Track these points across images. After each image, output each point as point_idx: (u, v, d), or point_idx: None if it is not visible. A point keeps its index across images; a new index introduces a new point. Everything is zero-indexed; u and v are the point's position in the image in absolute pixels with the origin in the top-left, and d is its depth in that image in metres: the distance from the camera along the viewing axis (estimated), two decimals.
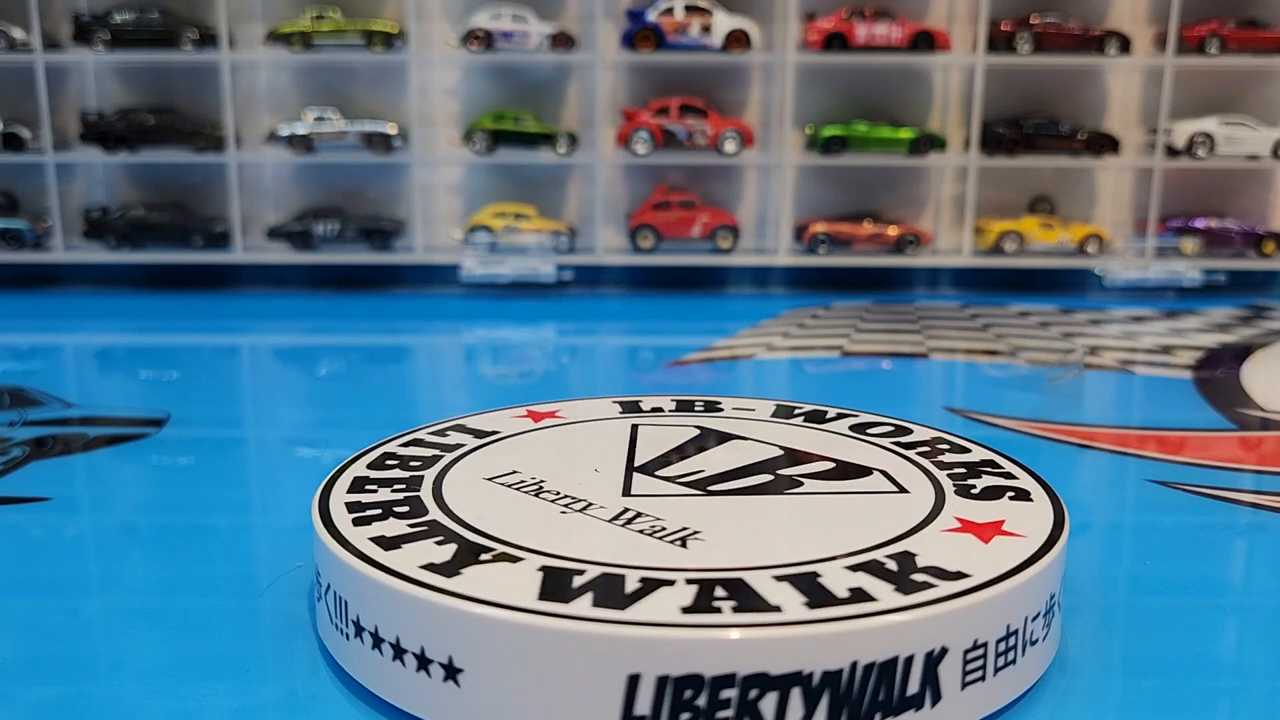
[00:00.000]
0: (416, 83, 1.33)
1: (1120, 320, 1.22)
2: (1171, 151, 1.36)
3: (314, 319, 1.27)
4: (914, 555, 0.40)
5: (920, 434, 0.56)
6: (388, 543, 0.42)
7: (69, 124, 1.35)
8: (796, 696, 0.35)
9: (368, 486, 0.48)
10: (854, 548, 0.41)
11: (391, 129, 1.33)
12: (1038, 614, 0.40)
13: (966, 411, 0.82)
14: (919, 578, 0.38)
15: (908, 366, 1.00)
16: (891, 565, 0.39)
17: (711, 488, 0.48)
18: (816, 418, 0.59)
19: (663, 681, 0.34)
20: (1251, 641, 0.47)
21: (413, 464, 0.51)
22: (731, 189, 1.42)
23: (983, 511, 0.45)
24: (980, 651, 0.37)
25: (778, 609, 0.36)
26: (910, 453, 0.53)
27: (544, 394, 0.65)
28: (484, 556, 0.40)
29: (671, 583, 0.38)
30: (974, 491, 0.47)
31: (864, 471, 0.50)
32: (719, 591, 0.37)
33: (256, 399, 0.96)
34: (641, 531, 0.43)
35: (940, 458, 0.52)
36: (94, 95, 1.37)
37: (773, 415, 0.60)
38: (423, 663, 0.37)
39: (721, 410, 0.61)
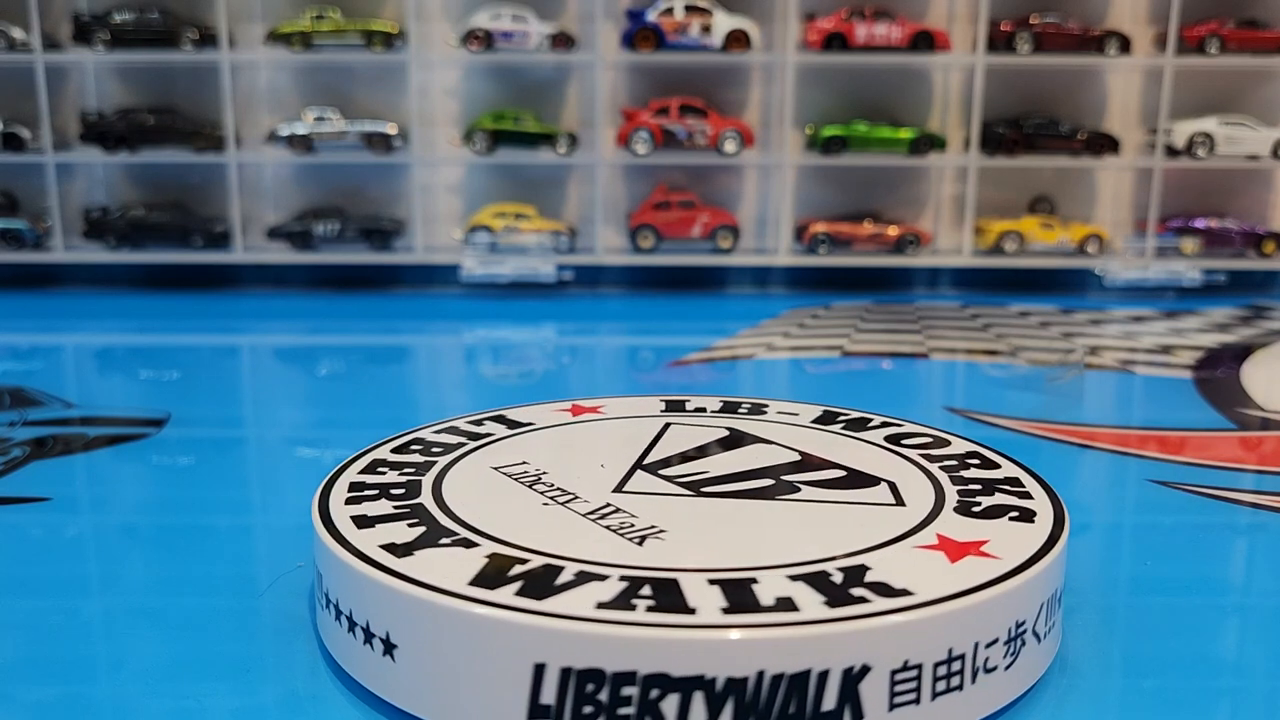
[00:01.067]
0: (416, 83, 1.33)
1: (1120, 320, 1.22)
2: (1171, 151, 1.36)
3: (314, 319, 1.27)
4: (867, 569, 0.39)
5: (957, 446, 0.54)
6: (364, 521, 0.43)
7: (69, 124, 1.35)
8: (699, 701, 0.34)
9: (380, 469, 0.50)
10: (809, 557, 0.40)
11: (391, 129, 1.33)
12: (994, 640, 0.38)
13: (967, 411, 0.82)
14: (857, 592, 0.37)
15: (908, 366, 1.00)
16: (837, 578, 0.38)
17: (705, 489, 0.48)
18: (857, 425, 0.58)
19: (566, 673, 0.35)
20: (1252, 641, 0.47)
21: (435, 450, 0.53)
22: (731, 189, 1.41)
23: (970, 530, 0.43)
24: (913, 673, 0.36)
25: (693, 611, 0.36)
26: (933, 465, 0.51)
27: (544, 394, 0.65)
28: (443, 541, 0.42)
29: (605, 578, 0.38)
30: (975, 509, 0.45)
31: (872, 482, 0.49)
32: (644, 590, 0.37)
33: (256, 399, 0.96)
34: (609, 527, 0.43)
35: (963, 472, 0.50)
36: (94, 95, 1.37)
37: (813, 420, 0.59)
38: (368, 636, 0.39)
39: (764, 413, 0.60)
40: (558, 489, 0.48)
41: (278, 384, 1.02)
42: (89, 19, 1.31)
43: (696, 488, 0.48)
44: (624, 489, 0.48)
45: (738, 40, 1.31)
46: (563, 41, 1.32)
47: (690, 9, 1.31)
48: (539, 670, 0.35)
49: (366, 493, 0.47)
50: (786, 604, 0.36)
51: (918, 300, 1.35)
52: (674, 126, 1.33)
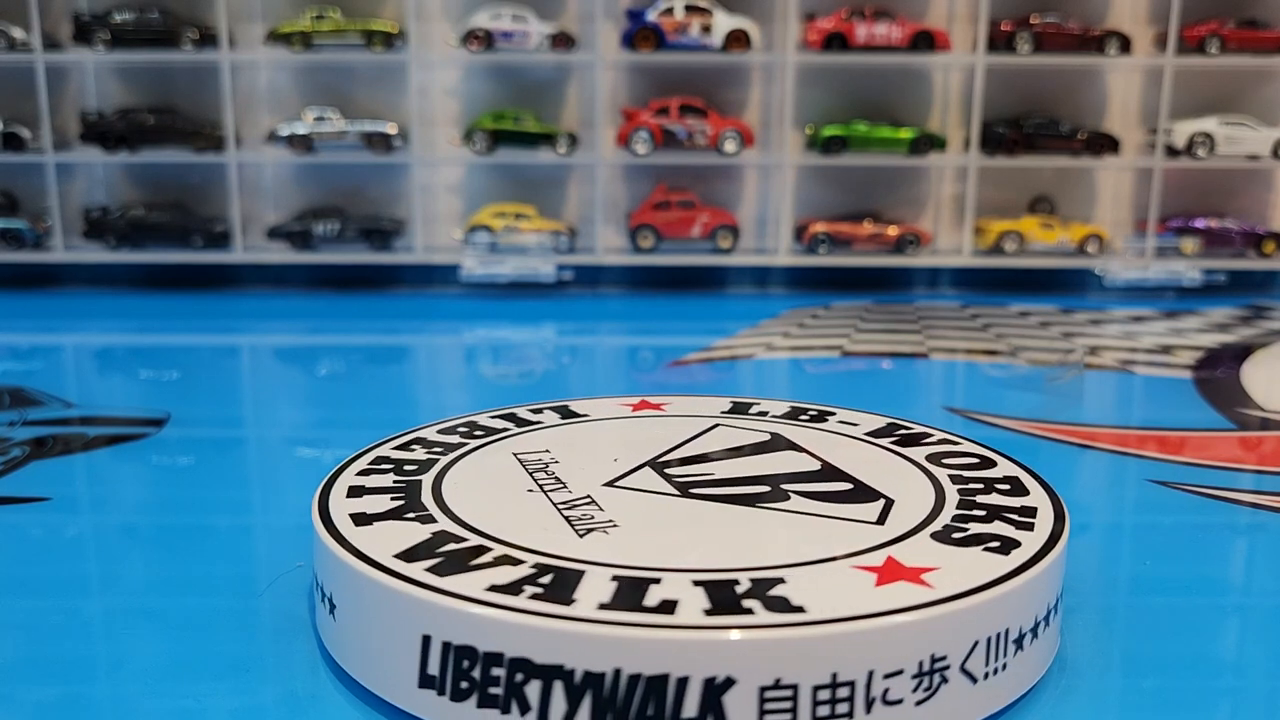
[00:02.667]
0: (416, 83, 1.33)
1: (1120, 320, 1.22)
2: (1171, 151, 1.36)
3: (314, 319, 1.27)
4: (778, 582, 0.38)
5: (999, 469, 0.50)
6: (352, 490, 0.47)
7: (69, 124, 1.35)
8: (559, 690, 0.35)
9: (413, 446, 0.53)
10: (732, 564, 0.39)
11: (391, 129, 1.33)
12: (898, 671, 0.36)
13: (967, 411, 0.82)
14: (748, 604, 0.36)
15: (908, 366, 1.00)
16: (742, 588, 0.37)
17: (694, 491, 0.48)
18: (910, 441, 0.55)
19: (447, 648, 0.36)
20: (1252, 641, 0.47)
21: (478, 433, 0.56)
22: (731, 189, 1.41)
23: (929, 556, 0.40)
24: (787, 693, 0.35)
25: (571, 603, 0.36)
26: (954, 486, 0.48)
27: (544, 394, 0.65)
28: (408, 515, 0.45)
29: (519, 563, 0.40)
30: (956, 535, 0.43)
31: (871, 498, 0.47)
32: (544, 579, 0.38)
33: (256, 399, 0.96)
34: (568, 518, 0.44)
35: (981, 496, 0.47)
36: (94, 95, 1.37)
37: (869, 432, 0.57)
38: (324, 597, 0.43)
39: (825, 421, 0.59)
40: (554, 478, 0.49)
41: (278, 384, 1.02)
42: (89, 19, 1.31)
43: (686, 489, 0.48)
44: (616, 484, 0.49)
45: (738, 40, 1.31)
46: (563, 41, 1.32)
47: (690, 9, 1.31)
48: (426, 642, 0.37)
49: (384, 467, 0.50)
50: (667, 607, 0.36)
51: (918, 300, 1.35)
52: (674, 126, 1.33)
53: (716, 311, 1.29)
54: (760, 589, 0.37)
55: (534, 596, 0.37)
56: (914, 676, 0.36)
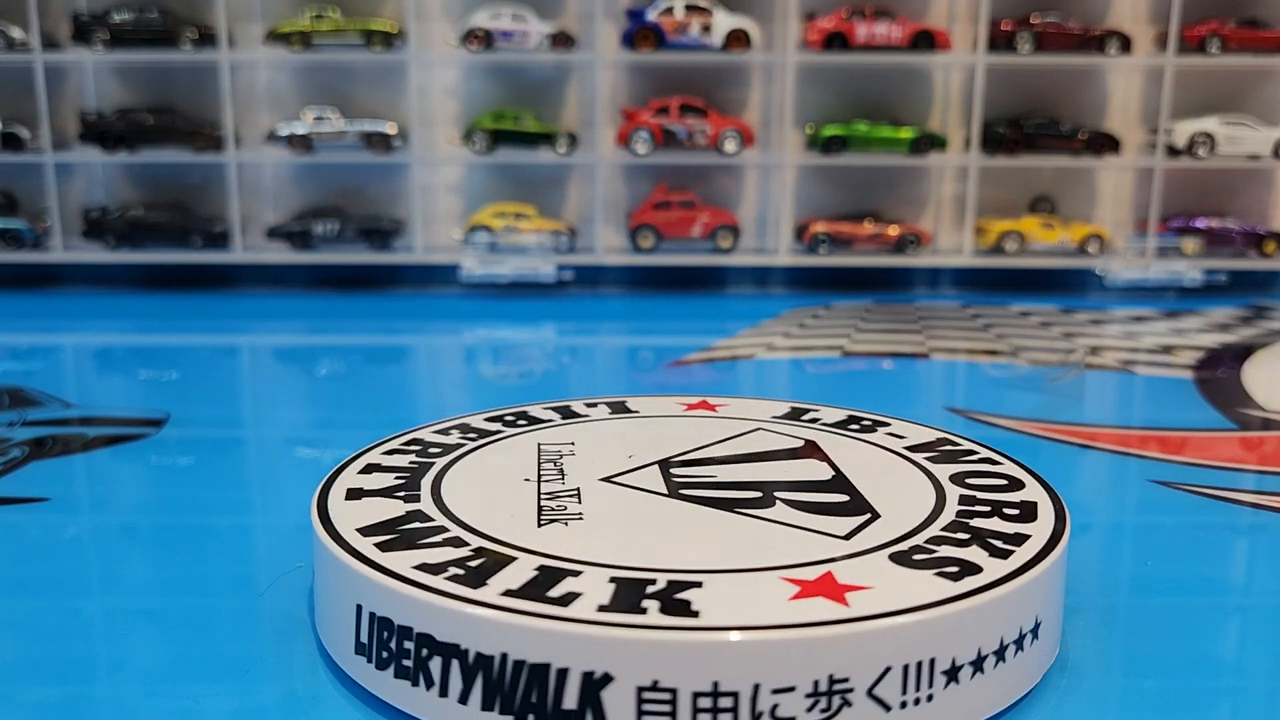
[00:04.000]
0: (416, 82, 1.33)
1: (1121, 320, 1.22)
2: (1172, 151, 1.36)
3: (314, 319, 1.27)
4: (693, 586, 0.37)
5: (1025, 493, 0.48)
6: (367, 468, 0.50)
7: (68, 124, 1.35)
8: (455, 668, 0.36)
9: (452, 431, 0.56)
10: (659, 565, 0.39)
11: (391, 129, 1.33)
12: (789, 688, 0.34)
13: (967, 411, 0.82)
14: (646, 604, 0.36)
15: (909, 366, 1.00)
16: (655, 588, 0.37)
17: (684, 492, 0.48)
18: (949, 457, 0.53)
19: (372, 618, 0.39)
20: (1252, 641, 0.47)
21: (520, 423, 0.58)
22: (731, 189, 1.41)
23: (869, 576, 0.39)
24: (666, 695, 0.34)
25: (479, 586, 0.37)
26: (956, 506, 0.46)
27: (544, 394, 0.65)
28: (398, 494, 0.47)
29: (463, 544, 0.41)
30: (916, 558, 0.41)
31: (859, 511, 0.45)
32: (473, 562, 0.40)
33: (256, 399, 0.96)
34: (544, 507, 0.46)
35: (975, 520, 0.45)
36: (93, 95, 1.37)
37: (908, 446, 0.55)
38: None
39: (874, 431, 0.57)
40: (558, 470, 0.50)
41: (277, 384, 1.02)
42: (88, 19, 1.31)
43: (677, 490, 0.48)
44: (614, 479, 0.49)
45: (738, 40, 1.31)
46: (563, 41, 1.32)
47: (690, 8, 1.31)
48: (359, 611, 0.39)
49: (412, 449, 0.53)
50: (567, 599, 0.36)
51: (918, 300, 1.35)
52: (674, 126, 1.33)
53: (717, 311, 1.29)
54: (670, 591, 0.37)
55: (451, 578, 0.38)
56: (808, 695, 0.35)
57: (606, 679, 0.34)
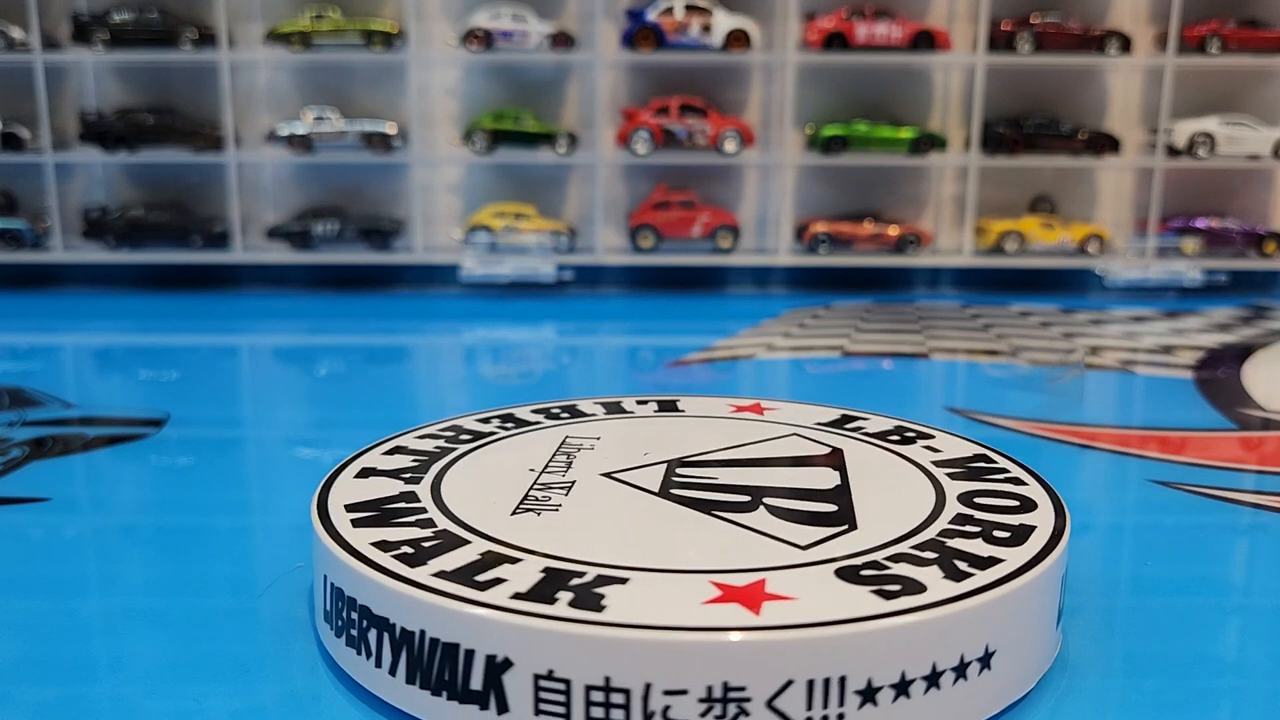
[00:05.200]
0: (416, 82, 1.33)
1: (1121, 320, 1.22)
2: (1172, 151, 1.36)
3: (314, 319, 1.27)
4: (617, 582, 0.38)
5: (1031, 518, 0.45)
6: (393, 449, 0.53)
7: (68, 124, 1.35)
8: (387, 640, 0.38)
9: (494, 419, 0.58)
10: (596, 559, 0.40)
11: (391, 129, 1.33)
12: (681, 690, 0.34)
13: (967, 411, 0.82)
14: (562, 595, 0.37)
15: (909, 366, 1.00)
16: (579, 581, 0.38)
17: (673, 491, 0.48)
18: (975, 474, 0.51)
19: (333, 587, 0.41)
20: (1252, 642, 0.47)
21: (562, 415, 0.60)
22: (731, 189, 1.41)
23: (802, 586, 0.38)
24: (560, 685, 0.35)
25: (416, 565, 0.39)
26: (945, 523, 0.44)
27: (544, 394, 0.65)
28: (402, 475, 0.49)
29: (431, 526, 0.43)
30: (864, 573, 0.39)
31: (836, 522, 0.44)
32: (427, 544, 0.41)
33: (256, 399, 0.96)
34: (528, 494, 0.47)
35: (953, 540, 0.43)
36: (93, 95, 1.37)
37: (935, 460, 0.53)
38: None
39: (914, 442, 0.56)
40: (567, 462, 0.51)
41: (277, 384, 1.02)
42: (88, 19, 1.31)
43: (669, 489, 0.48)
44: (614, 475, 0.50)
45: (738, 40, 1.31)
46: (562, 41, 1.32)
47: (690, 8, 1.31)
48: (325, 580, 0.42)
49: (458, 434, 0.56)
50: (489, 584, 0.38)
51: (918, 300, 1.35)
52: (674, 126, 1.33)
53: (717, 311, 1.29)
54: (592, 585, 0.38)
55: (397, 556, 0.40)
56: (702, 700, 0.34)
57: (507, 664, 0.35)
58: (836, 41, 1.32)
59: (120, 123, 1.33)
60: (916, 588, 0.38)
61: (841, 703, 0.35)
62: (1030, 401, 0.86)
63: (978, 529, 0.44)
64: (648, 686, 0.34)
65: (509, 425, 0.57)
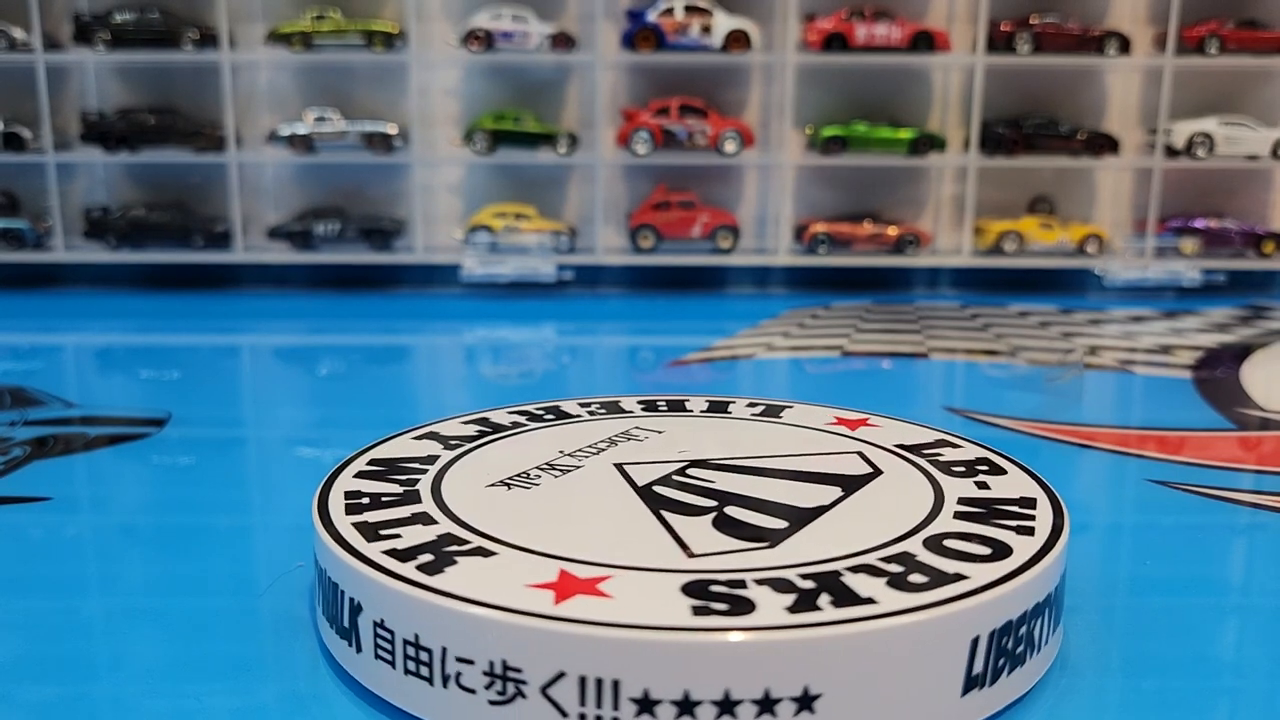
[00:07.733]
0: (416, 83, 1.33)
1: (1120, 320, 1.22)
2: (1171, 151, 1.36)
3: (314, 319, 1.27)
4: (480, 554, 0.41)
5: (1022, 544, 0.42)
6: (427, 434, 0.56)
7: (69, 124, 1.35)
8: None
9: (599, 404, 0.62)
10: (490, 531, 0.43)
11: (392, 129, 1.33)
12: (469, 660, 0.36)
13: (967, 411, 0.82)
14: (424, 558, 0.41)
15: (908, 366, 1.00)
16: (456, 549, 0.42)
17: (653, 489, 0.48)
18: (999, 514, 0.46)
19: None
20: (1252, 641, 0.47)
21: (660, 406, 0.62)
22: (731, 189, 1.42)
23: (629, 591, 0.38)
24: (388, 635, 0.39)
25: (373, 540, 0.42)
26: (918, 542, 0.42)
27: (544, 394, 0.65)
28: (415, 464, 0.51)
29: (405, 504, 0.46)
30: (711, 589, 0.38)
31: (765, 540, 0.42)
32: (404, 526, 0.44)
33: (257, 399, 0.96)
34: (518, 475, 0.50)
35: (914, 559, 0.41)
36: (94, 95, 1.37)
37: (976, 498, 0.48)
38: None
39: (964, 455, 0.53)
40: (595, 450, 0.53)
41: (278, 384, 1.02)
42: (89, 19, 1.31)
43: (651, 486, 0.48)
44: (624, 466, 0.51)
45: (738, 40, 1.31)
46: (563, 41, 1.32)
47: (690, 9, 1.31)
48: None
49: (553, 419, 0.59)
50: (386, 538, 0.42)
51: (917, 300, 1.35)
52: (674, 126, 1.33)
53: (716, 311, 1.29)
54: (455, 553, 0.41)
55: (371, 538, 0.42)
56: (485, 673, 0.36)
57: (359, 608, 0.40)
58: (836, 42, 1.32)
59: (122, 123, 1.33)
60: (810, 607, 0.36)
61: (615, 707, 0.35)
62: (1029, 401, 0.86)
63: (956, 554, 0.41)
64: (444, 650, 0.37)
65: (596, 412, 0.61)
